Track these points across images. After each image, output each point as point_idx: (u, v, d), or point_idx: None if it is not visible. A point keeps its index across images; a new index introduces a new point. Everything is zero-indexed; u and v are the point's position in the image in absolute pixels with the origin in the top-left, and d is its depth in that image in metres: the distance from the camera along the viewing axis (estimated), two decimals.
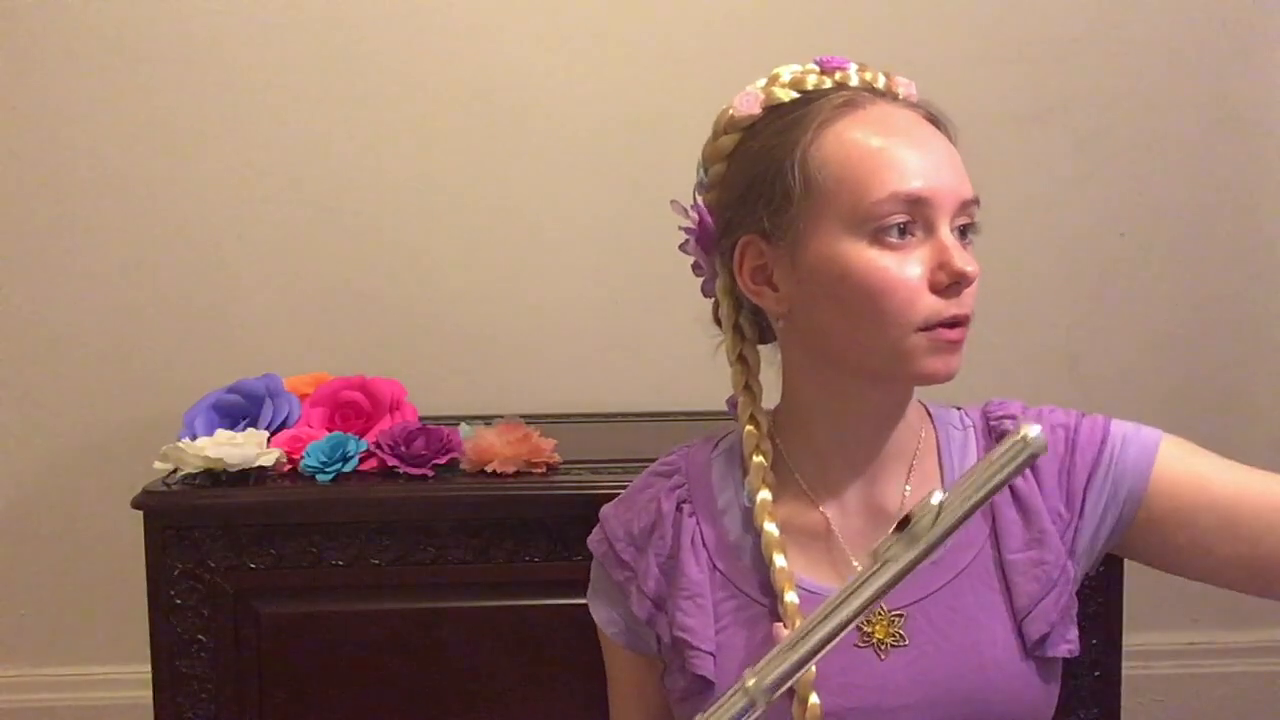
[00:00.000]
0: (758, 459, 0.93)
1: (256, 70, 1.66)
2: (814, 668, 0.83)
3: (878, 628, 0.90)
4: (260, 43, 1.65)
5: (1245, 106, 1.81)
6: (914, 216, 0.85)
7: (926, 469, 0.96)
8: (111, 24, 1.63)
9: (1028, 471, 0.92)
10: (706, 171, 0.98)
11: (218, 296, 1.69)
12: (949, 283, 0.85)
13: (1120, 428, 0.95)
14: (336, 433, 1.32)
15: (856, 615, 0.68)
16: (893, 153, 0.86)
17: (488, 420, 1.37)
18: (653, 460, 1.30)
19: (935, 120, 0.92)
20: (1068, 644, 0.91)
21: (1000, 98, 1.74)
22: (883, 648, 0.89)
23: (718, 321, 1.02)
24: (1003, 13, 1.75)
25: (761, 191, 0.90)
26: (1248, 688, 1.86)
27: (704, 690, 0.90)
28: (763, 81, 0.95)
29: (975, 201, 0.89)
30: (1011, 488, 0.92)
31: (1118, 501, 0.93)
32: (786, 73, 0.94)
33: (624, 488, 1.23)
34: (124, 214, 1.66)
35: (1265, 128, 1.82)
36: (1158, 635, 1.82)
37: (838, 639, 0.69)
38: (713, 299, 1.03)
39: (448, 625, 1.24)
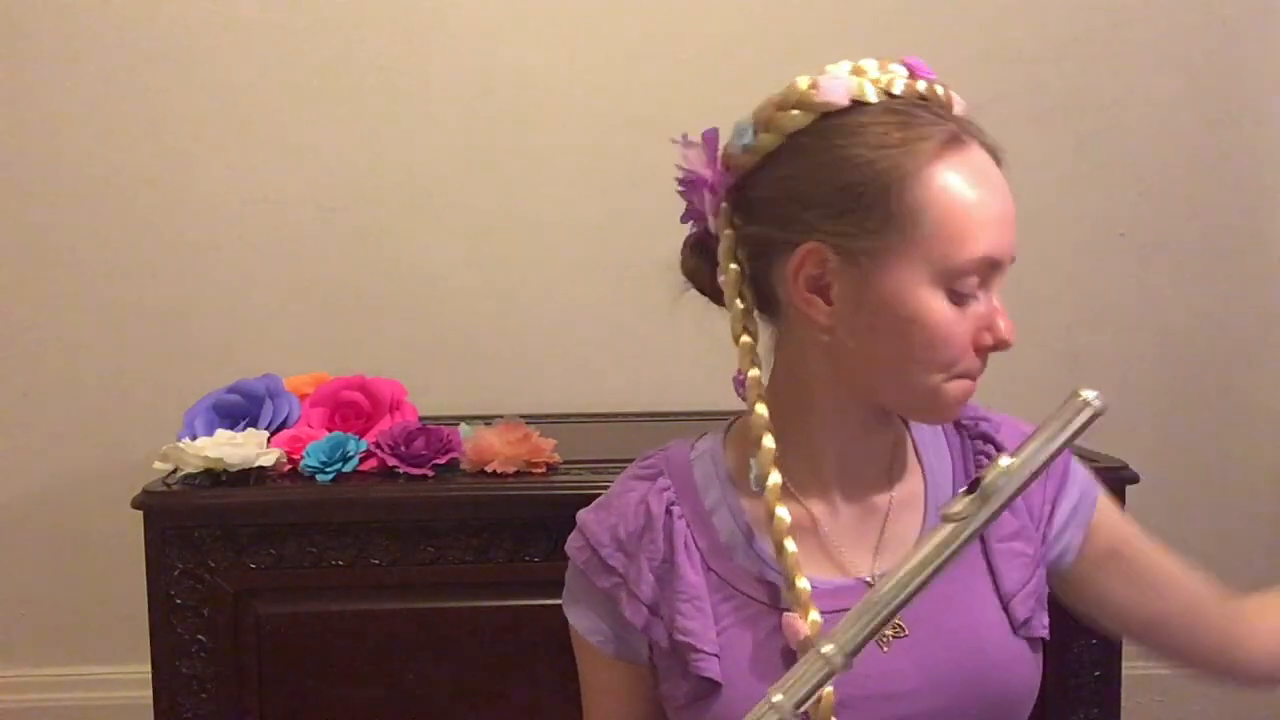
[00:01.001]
0: (768, 441, 0.90)
1: (256, 70, 1.66)
2: None
3: None
4: (260, 43, 1.65)
5: (1245, 106, 1.81)
6: (983, 277, 0.87)
7: (906, 464, 0.99)
8: (111, 25, 1.63)
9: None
10: (755, 135, 0.93)
11: (218, 296, 1.69)
12: (991, 345, 0.88)
13: (1070, 457, 1.00)
14: (336, 433, 1.32)
15: (935, 573, 0.73)
16: (988, 213, 0.86)
17: (488, 420, 1.37)
18: None
19: (1000, 163, 0.91)
20: (1043, 627, 0.95)
21: (1000, 98, 1.74)
22: (884, 639, 0.90)
23: (689, 274, 1.01)
24: (1003, 13, 1.75)
25: (853, 207, 0.86)
26: None
27: (710, 693, 0.90)
28: (847, 67, 0.91)
29: (1013, 260, 0.90)
30: None
31: (1075, 523, 0.98)
32: (874, 68, 0.91)
33: None
34: (124, 214, 1.67)
35: (1265, 128, 1.82)
36: None
37: (914, 599, 0.73)
38: (687, 247, 1.02)
39: (448, 625, 1.24)
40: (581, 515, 1.00)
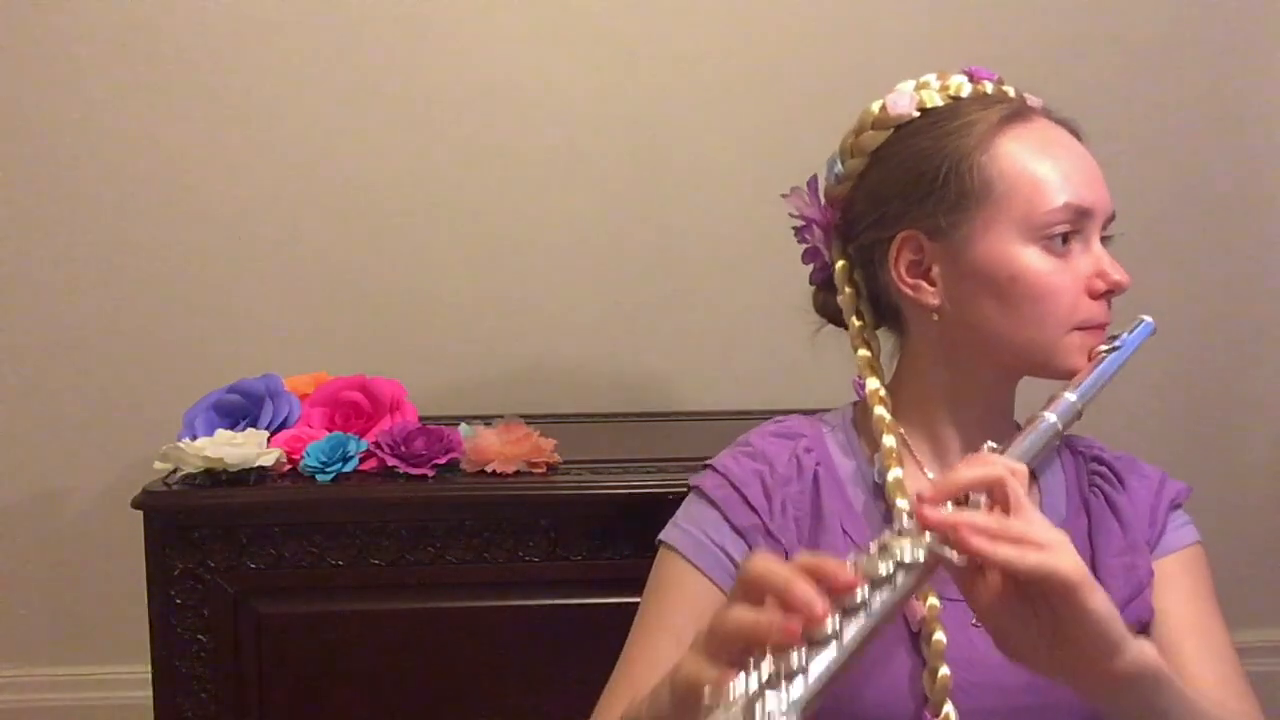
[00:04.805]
0: (890, 441, 0.95)
1: (257, 71, 1.66)
2: (945, 638, 0.87)
3: None
4: (261, 43, 1.65)
5: (1245, 106, 1.81)
6: (1076, 227, 0.93)
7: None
8: (111, 24, 1.63)
9: (1125, 490, 1.00)
10: (843, 164, 1.01)
11: (218, 296, 1.69)
12: (1106, 290, 0.93)
13: (1186, 513, 1.03)
14: (336, 433, 1.32)
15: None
16: (1065, 166, 0.93)
17: (488, 420, 1.37)
18: (654, 460, 1.30)
19: (1079, 136, 0.98)
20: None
21: None
22: None
23: (819, 310, 1.06)
24: (1002, 13, 1.75)
25: (930, 190, 0.93)
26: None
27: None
28: (911, 84, 0.98)
29: (1114, 217, 0.97)
30: (1110, 501, 0.99)
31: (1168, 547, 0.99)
32: (935, 79, 0.98)
33: (624, 488, 1.24)
34: (124, 214, 1.66)
35: (1265, 128, 1.82)
36: None
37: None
38: (814, 286, 1.07)
39: (448, 625, 1.24)
40: (720, 460, 1.01)
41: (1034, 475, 1.00)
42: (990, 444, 0.84)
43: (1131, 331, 0.96)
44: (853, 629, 0.67)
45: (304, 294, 1.70)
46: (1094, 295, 0.93)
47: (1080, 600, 0.71)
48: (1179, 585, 0.97)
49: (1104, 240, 0.97)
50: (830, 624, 0.67)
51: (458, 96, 1.69)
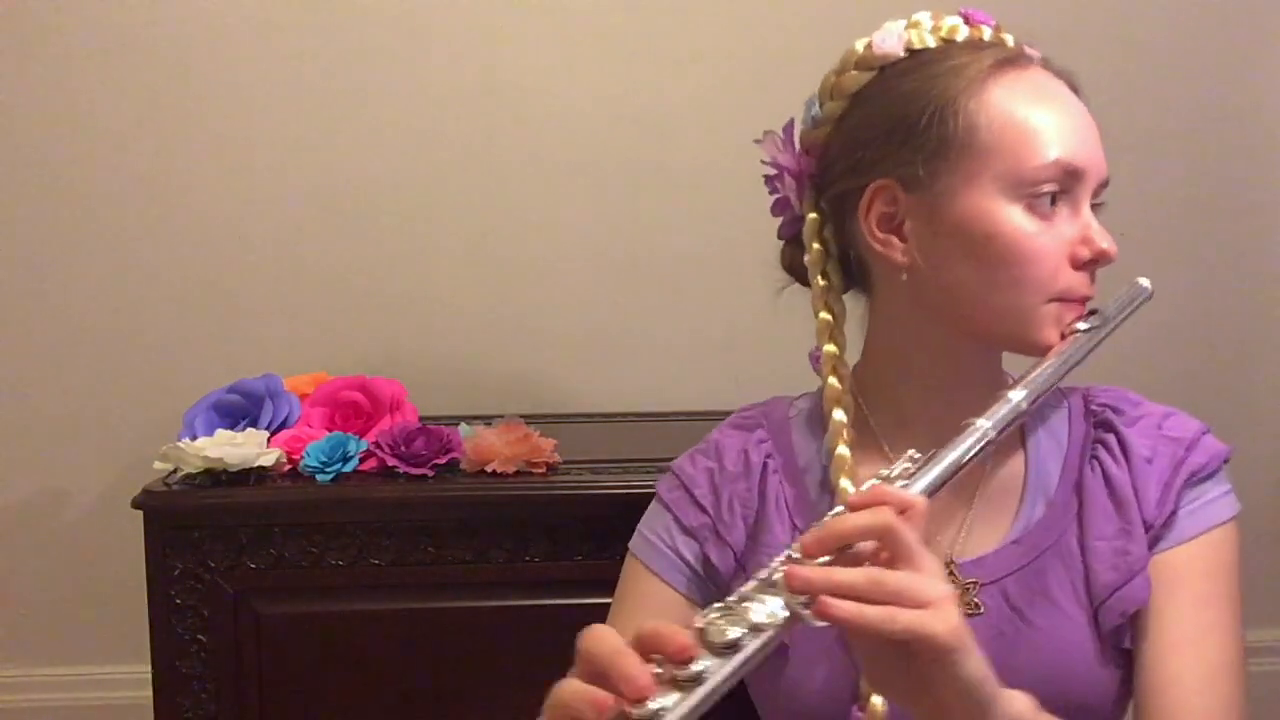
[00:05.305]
0: (838, 415, 0.89)
1: (257, 69, 1.66)
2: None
3: None
4: (261, 42, 1.65)
5: (1245, 106, 1.81)
6: (1065, 188, 0.85)
7: (1011, 445, 0.93)
8: (110, 23, 1.63)
9: (1125, 464, 0.91)
10: (821, 107, 0.94)
11: (218, 296, 1.69)
12: (1090, 259, 0.86)
13: (1223, 481, 0.94)
14: (336, 433, 1.32)
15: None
16: (1059, 121, 0.85)
17: (488, 420, 1.37)
18: (653, 460, 1.30)
19: (1078, 92, 0.91)
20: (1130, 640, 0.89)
21: None
22: None
23: (787, 267, 1.00)
24: (1002, 12, 1.74)
25: (910, 135, 0.86)
26: (1247, 688, 1.86)
27: (780, 652, 0.86)
28: (901, 23, 0.92)
29: (1107, 183, 0.90)
30: (1108, 477, 0.91)
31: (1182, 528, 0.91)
32: (928, 18, 0.91)
33: (624, 488, 1.23)
34: (124, 214, 1.66)
35: (1265, 128, 1.82)
36: None
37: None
38: (783, 241, 1.00)
39: (448, 625, 1.24)
40: (676, 462, 0.99)
41: (1024, 443, 0.93)
42: (912, 453, 0.78)
43: (1117, 301, 0.88)
44: (684, 702, 0.63)
45: (304, 294, 1.70)
46: (1077, 265, 0.86)
47: (951, 663, 0.67)
48: (1183, 588, 0.89)
49: (1094, 208, 0.89)
50: (657, 700, 0.63)
51: (458, 96, 1.69)
